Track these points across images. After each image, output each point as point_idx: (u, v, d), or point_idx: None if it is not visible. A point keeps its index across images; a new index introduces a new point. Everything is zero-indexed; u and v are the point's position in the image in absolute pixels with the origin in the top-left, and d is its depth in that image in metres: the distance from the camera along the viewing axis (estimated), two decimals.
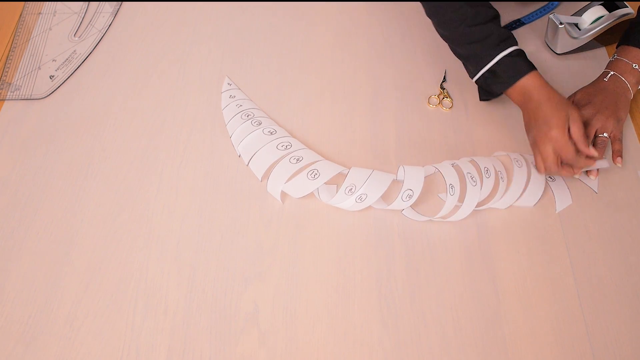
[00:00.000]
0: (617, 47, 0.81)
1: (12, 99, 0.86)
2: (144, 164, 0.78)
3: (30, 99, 0.86)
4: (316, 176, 0.70)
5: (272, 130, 0.78)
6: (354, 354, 0.61)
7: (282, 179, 0.72)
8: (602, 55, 0.89)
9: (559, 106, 0.70)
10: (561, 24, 0.84)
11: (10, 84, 0.88)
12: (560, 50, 0.88)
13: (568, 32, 0.85)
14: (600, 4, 0.86)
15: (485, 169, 0.72)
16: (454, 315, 0.64)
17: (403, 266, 0.67)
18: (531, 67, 0.73)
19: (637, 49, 0.77)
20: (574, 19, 0.86)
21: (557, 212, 0.71)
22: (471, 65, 0.77)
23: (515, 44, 0.74)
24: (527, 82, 0.73)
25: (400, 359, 0.61)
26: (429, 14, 0.79)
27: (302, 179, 0.71)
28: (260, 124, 0.79)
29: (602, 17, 0.85)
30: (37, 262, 0.69)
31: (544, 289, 0.66)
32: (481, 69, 0.75)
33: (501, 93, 0.76)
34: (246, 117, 0.80)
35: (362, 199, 0.69)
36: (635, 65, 0.77)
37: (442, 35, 0.80)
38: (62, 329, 0.64)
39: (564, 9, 0.92)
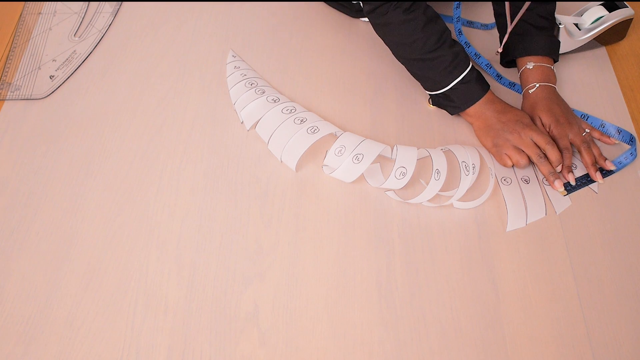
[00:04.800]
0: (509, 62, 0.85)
1: (12, 99, 0.86)
2: (144, 164, 0.78)
3: (30, 99, 0.86)
4: (360, 159, 0.71)
5: (275, 98, 0.81)
6: (354, 354, 0.61)
7: (296, 148, 0.74)
8: (602, 55, 0.89)
9: (521, 112, 0.76)
10: (561, 24, 0.84)
11: (10, 84, 0.88)
12: (561, 50, 0.87)
13: (568, 32, 0.85)
14: (600, 4, 0.86)
15: (473, 165, 0.73)
16: (454, 315, 0.64)
17: (403, 266, 0.67)
18: (485, 89, 0.76)
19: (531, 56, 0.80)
20: (574, 19, 0.86)
21: (557, 214, 0.71)
22: (425, 84, 0.79)
23: (467, 64, 0.75)
24: (481, 104, 0.76)
25: (400, 359, 0.61)
26: (381, 37, 0.80)
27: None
28: (263, 92, 0.81)
29: (602, 17, 0.85)
30: (37, 262, 0.69)
31: (544, 289, 0.66)
32: (435, 90, 0.78)
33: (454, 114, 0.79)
34: (250, 86, 0.83)
35: (359, 159, 0.71)
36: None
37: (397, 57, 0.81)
38: (62, 329, 0.64)
39: (564, 9, 0.92)
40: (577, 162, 0.76)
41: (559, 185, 0.72)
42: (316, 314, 0.64)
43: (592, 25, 0.85)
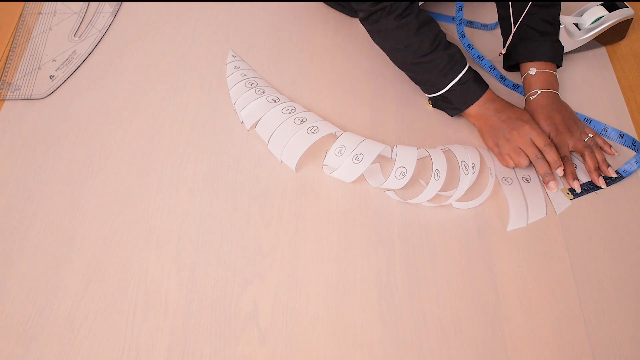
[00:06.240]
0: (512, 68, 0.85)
1: (12, 99, 0.86)
2: (144, 164, 0.78)
3: (30, 99, 0.86)
4: (360, 159, 0.71)
5: (275, 98, 0.81)
6: (354, 354, 0.61)
7: (296, 148, 0.74)
8: (602, 55, 0.89)
9: (521, 110, 0.76)
10: (561, 24, 0.84)
11: (10, 84, 0.88)
12: None
13: (568, 32, 0.85)
14: (600, 4, 0.86)
15: (473, 165, 0.73)
16: (454, 315, 0.64)
17: (403, 266, 0.67)
18: (483, 89, 0.76)
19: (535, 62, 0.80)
20: (574, 19, 0.86)
21: (557, 214, 0.71)
22: (423, 87, 0.80)
23: (463, 65, 0.75)
24: (480, 104, 0.76)
25: (400, 359, 0.61)
26: (377, 43, 0.80)
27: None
28: (263, 92, 0.82)
29: (602, 17, 0.85)
30: (37, 262, 0.69)
31: (544, 289, 0.66)
32: (433, 93, 0.78)
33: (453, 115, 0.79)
34: (250, 86, 0.83)
35: (359, 159, 0.71)
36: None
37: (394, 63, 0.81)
38: (62, 329, 0.64)
39: (564, 9, 0.91)
40: (577, 162, 0.76)
41: (553, 186, 0.72)
42: (316, 314, 0.64)
43: (592, 25, 0.85)
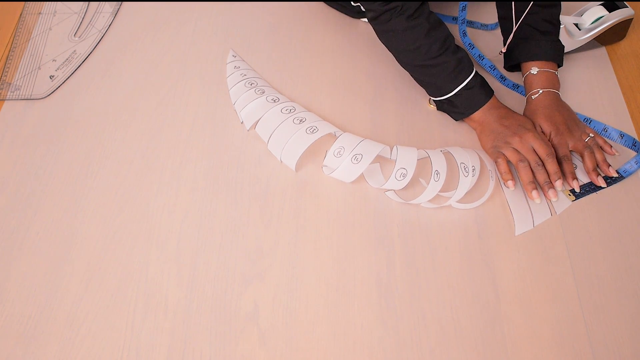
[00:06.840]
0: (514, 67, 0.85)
1: (12, 99, 0.86)
2: (144, 164, 0.78)
3: (30, 99, 0.86)
4: (359, 159, 0.71)
5: (275, 98, 0.81)
6: (354, 354, 0.61)
7: (295, 148, 0.74)
8: (602, 55, 0.89)
9: (525, 118, 0.76)
10: (561, 24, 0.84)
11: (10, 84, 0.88)
12: None
13: (568, 32, 0.85)
14: (600, 4, 0.86)
15: (473, 167, 0.73)
16: (454, 315, 0.64)
17: (403, 266, 0.67)
18: (489, 95, 0.76)
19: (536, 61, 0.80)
20: (574, 19, 0.86)
21: (557, 214, 0.71)
22: (429, 90, 0.80)
23: (471, 69, 0.75)
24: (484, 109, 0.76)
25: (400, 359, 0.61)
26: (385, 43, 0.80)
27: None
28: (263, 92, 0.82)
29: (602, 17, 0.85)
30: (37, 262, 0.69)
31: (544, 289, 0.66)
32: (439, 96, 0.78)
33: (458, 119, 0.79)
34: (249, 86, 0.83)
35: (358, 160, 0.71)
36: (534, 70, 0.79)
37: (400, 63, 0.81)
38: (62, 329, 0.64)
39: (564, 9, 0.91)
40: (577, 162, 0.76)
41: (552, 194, 0.71)
42: (316, 314, 0.64)
43: (592, 25, 0.85)
